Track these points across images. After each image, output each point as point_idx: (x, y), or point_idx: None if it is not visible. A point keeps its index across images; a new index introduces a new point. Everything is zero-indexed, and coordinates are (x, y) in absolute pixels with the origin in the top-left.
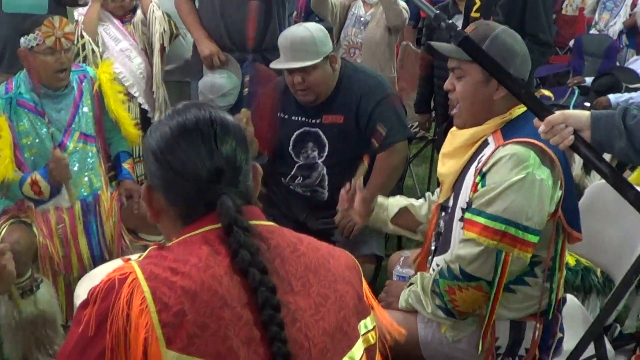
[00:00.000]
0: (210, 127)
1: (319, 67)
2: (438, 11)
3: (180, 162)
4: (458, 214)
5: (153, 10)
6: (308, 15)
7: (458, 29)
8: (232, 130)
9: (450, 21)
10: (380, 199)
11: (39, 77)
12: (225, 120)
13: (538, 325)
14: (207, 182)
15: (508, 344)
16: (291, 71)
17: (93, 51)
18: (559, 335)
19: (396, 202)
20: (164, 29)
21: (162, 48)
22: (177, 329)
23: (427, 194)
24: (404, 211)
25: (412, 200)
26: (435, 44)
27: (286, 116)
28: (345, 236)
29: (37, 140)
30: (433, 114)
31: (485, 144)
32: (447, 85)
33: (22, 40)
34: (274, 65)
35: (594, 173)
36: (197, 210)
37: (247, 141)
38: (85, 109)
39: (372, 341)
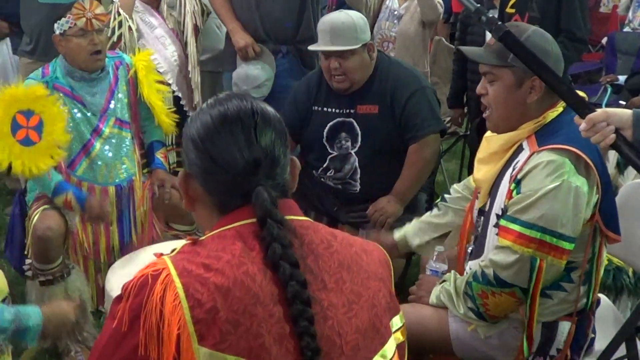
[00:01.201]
0: (251, 118)
1: (357, 53)
2: (479, 5)
3: (219, 151)
4: (493, 220)
5: None
6: (338, 8)
7: (500, 23)
8: (272, 122)
9: (491, 15)
10: (397, 235)
11: (75, 61)
12: (266, 111)
13: (572, 325)
14: (244, 172)
15: (540, 343)
16: (328, 55)
17: (130, 28)
18: (591, 335)
19: (416, 232)
20: (194, 8)
21: (196, 28)
22: (210, 326)
23: (440, 203)
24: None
25: (429, 219)
26: (465, 49)
27: (320, 108)
28: (377, 230)
29: (71, 125)
30: (466, 109)
31: (519, 149)
32: (479, 89)
33: (55, 26)
34: (313, 47)
35: (627, 172)
36: (233, 201)
37: (286, 134)
38: (121, 95)
39: (402, 338)
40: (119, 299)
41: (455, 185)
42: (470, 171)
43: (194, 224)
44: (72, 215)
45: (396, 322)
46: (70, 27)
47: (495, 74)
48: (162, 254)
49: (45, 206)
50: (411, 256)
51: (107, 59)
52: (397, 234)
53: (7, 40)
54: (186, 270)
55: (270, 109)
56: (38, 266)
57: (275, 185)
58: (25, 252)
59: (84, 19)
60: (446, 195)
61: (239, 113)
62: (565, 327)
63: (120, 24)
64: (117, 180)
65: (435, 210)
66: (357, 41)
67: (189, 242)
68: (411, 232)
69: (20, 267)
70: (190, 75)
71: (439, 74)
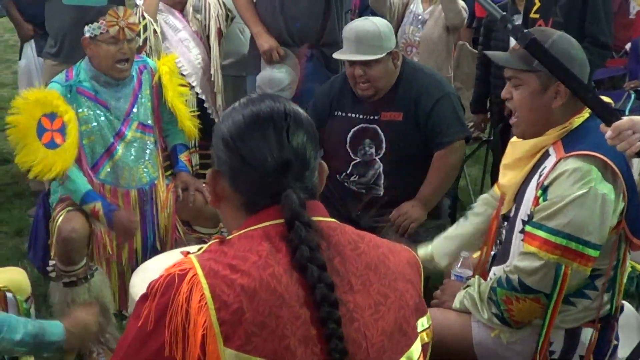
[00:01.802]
0: (284, 120)
1: (382, 62)
2: (505, 12)
3: (249, 150)
4: (518, 225)
5: None
6: (362, 12)
7: (525, 30)
8: (304, 124)
9: (518, 22)
10: (422, 253)
11: (100, 66)
12: (298, 114)
13: (595, 332)
14: (273, 173)
15: (562, 350)
16: (353, 63)
17: (155, 32)
18: (614, 342)
19: (442, 250)
20: (218, 12)
21: (219, 32)
22: (235, 327)
23: (467, 212)
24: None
25: (452, 233)
26: (491, 53)
27: (343, 113)
28: (400, 235)
29: (95, 128)
30: (489, 114)
31: (546, 155)
32: (504, 94)
33: (85, 28)
34: (337, 55)
35: None
36: (261, 200)
37: (317, 138)
38: (144, 100)
39: (427, 339)
40: (144, 297)
41: (481, 195)
42: (493, 176)
43: (218, 227)
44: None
45: (423, 323)
46: (101, 33)
47: (521, 79)
48: (188, 252)
49: (70, 208)
50: None
51: None
52: (422, 251)
53: (32, 42)
54: (213, 271)
55: (302, 111)
56: (62, 267)
57: (304, 188)
58: (50, 254)
59: (116, 27)
60: (473, 205)
61: (272, 114)
62: (588, 334)
63: (145, 28)
64: (139, 184)
65: (461, 221)
66: (382, 50)
67: (216, 241)
68: (439, 251)
69: (43, 269)
70: (212, 79)
71: (462, 79)
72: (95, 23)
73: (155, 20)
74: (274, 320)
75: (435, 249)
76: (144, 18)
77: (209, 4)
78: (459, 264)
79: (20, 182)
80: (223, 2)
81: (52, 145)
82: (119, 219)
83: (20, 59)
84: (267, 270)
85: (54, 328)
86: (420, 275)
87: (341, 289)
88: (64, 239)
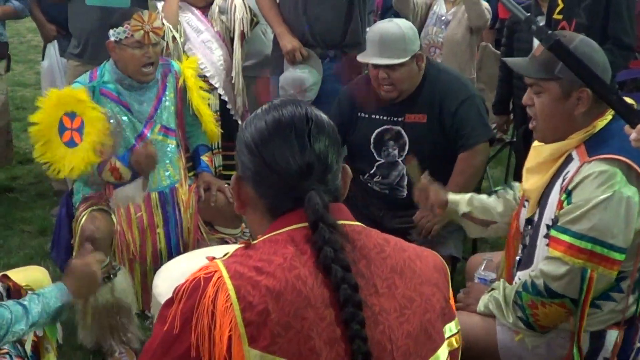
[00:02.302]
0: (305, 124)
1: (406, 65)
2: (528, 13)
3: (272, 156)
4: (543, 230)
5: None
6: (384, 13)
7: (550, 32)
8: (326, 129)
9: (541, 24)
10: (452, 195)
11: (126, 70)
12: (320, 118)
13: (619, 334)
14: (296, 177)
15: (587, 352)
16: (376, 66)
17: (174, 38)
18: (637, 345)
19: (468, 200)
20: (243, 15)
21: (242, 35)
22: (261, 328)
23: (501, 191)
24: (476, 208)
25: (484, 199)
26: (510, 60)
27: (367, 115)
28: (423, 236)
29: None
30: (511, 115)
31: (569, 159)
32: (525, 100)
33: (110, 32)
34: (361, 57)
35: None
36: (284, 204)
37: (340, 142)
38: (168, 103)
39: (456, 345)
40: (169, 302)
41: (515, 183)
42: (516, 178)
43: (240, 228)
44: (124, 201)
45: (451, 328)
46: (126, 37)
47: (542, 86)
48: (214, 258)
49: (93, 207)
50: (456, 263)
51: None
52: (451, 196)
53: (55, 42)
54: (238, 273)
55: (324, 116)
56: None
57: (327, 191)
58: (72, 253)
59: (141, 32)
60: (509, 189)
61: (293, 119)
62: (613, 336)
63: (163, 34)
64: (160, 186)
65: (493, 196)
66: (406, 53)
67: (241, 246)
68: (464, 200)
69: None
70: (233, 81)
71: (485, 80)
72: (120, 27)
73: (175, 27)
74: (299, 321)
75: (462, 197)
76: (162, 24)
77: (235, 6)
78: (483, 267)
79: (43, 181)
80: (249, 6)
81: (71, 144)
82: (136, 159)
83: (43, 59)
84: (292, 272)
85: (54, 292)
86: (448, 280)
87: (366, 291)
88: (87, 239)
